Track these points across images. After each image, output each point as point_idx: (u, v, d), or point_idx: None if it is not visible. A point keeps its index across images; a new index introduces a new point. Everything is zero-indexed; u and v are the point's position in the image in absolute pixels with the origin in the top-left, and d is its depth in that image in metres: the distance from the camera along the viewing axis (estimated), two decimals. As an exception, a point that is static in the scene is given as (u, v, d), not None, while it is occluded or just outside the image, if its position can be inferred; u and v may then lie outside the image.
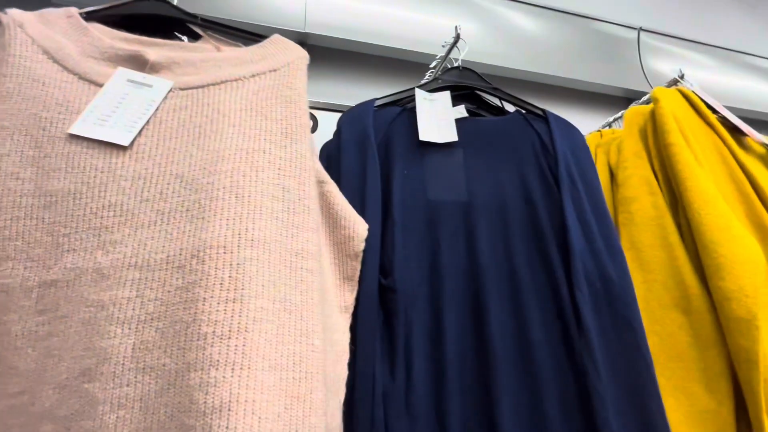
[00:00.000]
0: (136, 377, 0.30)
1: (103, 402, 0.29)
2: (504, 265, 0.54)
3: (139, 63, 0.44)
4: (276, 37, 0.50)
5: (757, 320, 0.47)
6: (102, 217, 0.36)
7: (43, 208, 0.36)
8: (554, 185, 0.60)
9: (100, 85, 0.42)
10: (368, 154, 0.55)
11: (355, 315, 0.46)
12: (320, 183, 0.52)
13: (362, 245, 0.48)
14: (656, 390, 0.49)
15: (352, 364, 0.42)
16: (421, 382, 0.46)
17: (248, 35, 0.51)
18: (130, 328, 0.31)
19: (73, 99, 0.41)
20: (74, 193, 0.36)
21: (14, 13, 0.44)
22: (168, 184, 0.37)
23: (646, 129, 0.66)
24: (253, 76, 0.45)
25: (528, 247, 0.55)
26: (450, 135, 0.61)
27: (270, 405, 0.29)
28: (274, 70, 0.46)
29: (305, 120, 0.44)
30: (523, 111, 0.66)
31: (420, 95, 0.62)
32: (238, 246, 0.33)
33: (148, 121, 0.40)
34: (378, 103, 0.61)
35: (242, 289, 0.32)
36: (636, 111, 0.70)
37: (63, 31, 0.45)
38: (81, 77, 0.42)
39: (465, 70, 0.68)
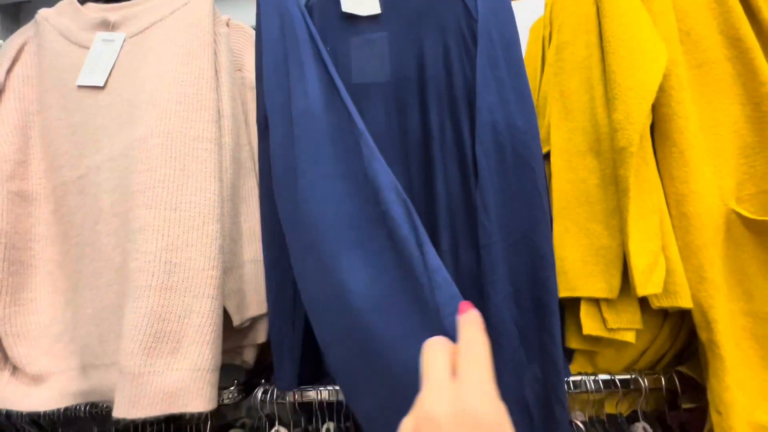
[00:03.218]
0: (114, 218, 0.52)
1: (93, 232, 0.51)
2: (419, 138, 0.60)
3: (106, 25, 0.62)
4: (192, -26, 0.62)
5: (632, 146, 0.43)
6: (95, 133, 0.57)
7: (72, 134, 0.59)
8: (473, 48, 0.60)
9: (89, 48, 0.62)
10: (297, 12, 0.55)
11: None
12: (251, 88, 0.65)
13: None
14: (546, 222, 0.52)
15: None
16: None
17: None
18: (108, 195, 0.53)
19: (78, 61, 0.62)
20: (82, 123, 0.59)
21: (42, 11, 0.66)
22: (122, 105, 0.56)
23: None
24: (172, 12, 0.59)
25: (441, 113, 0.59)
26: (373, 6, 0.64)
27: (172, 227, 0.48)
28: (186, 4, 0.59)
29: (207, 38, 0.56)
30: (448, -23, 0.64)
31: None
32: (150, 137, 0.50)
33: (113, 66, 0.59)
34: None
35: (152, 162, 0.49)
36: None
37: (69, 15, 0.66)
38: (79, 45, 0.63)
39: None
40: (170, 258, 0.46)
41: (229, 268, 0.53)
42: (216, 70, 0.57)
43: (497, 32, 0.60)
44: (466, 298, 0.57)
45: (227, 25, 0.70)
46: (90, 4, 0.67)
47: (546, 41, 0.69)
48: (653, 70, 0.44)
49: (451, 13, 0.62)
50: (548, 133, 0.59)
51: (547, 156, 0.59)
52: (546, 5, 0.71)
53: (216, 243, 0.49)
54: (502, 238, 0.54)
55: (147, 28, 0.59)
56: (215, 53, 0.58)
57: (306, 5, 0.61)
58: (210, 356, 0.45)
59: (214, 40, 0.59)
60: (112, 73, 0.59)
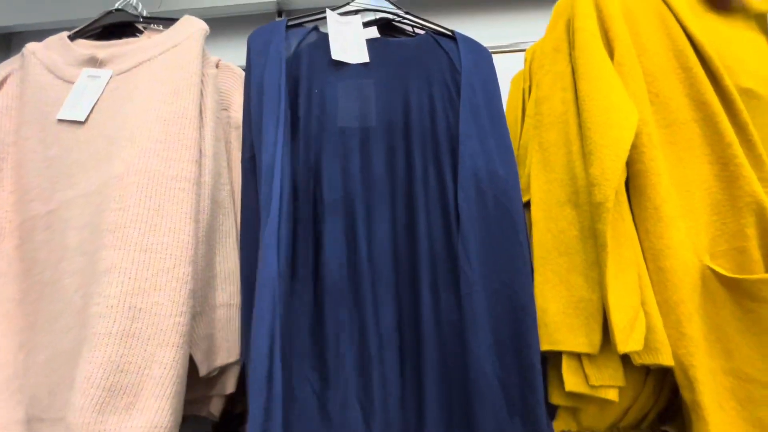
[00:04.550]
0: (80, 257, 0.49)
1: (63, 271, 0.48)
2: (404, 182, 0.60)
3: (94, 62, 0.62)
4: (185, 17, 0.64)
5: (608, 202, 0.44)
6: (71, 168, 0.56)
7: (46, 168, 0.58)
8: (457, 98, 0.62)
9: (74, 83, 0.62)
10: (275, 64, 0.54)
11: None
12: (237, 128, 0.65)
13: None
14: (527, 273, 0.52)
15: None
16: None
17: (168, 20, 0.66)
18: (76, 232, 0.51)
19: (61, 95, 0.61)
20: (59, 157, 0.57)
21: (30, 45, 0.66)
22: (101, 142, 0.55)
23: (570, 20, 0.60)
24: (161, 53, 0.59)
25: (425, 159, 0.59)
26: (361, 56, 0.66)
27: (141, 270, 0.45)
28: (176, 45, 0.60)
29: (194, 79, 0.57)
30: (433, 33, 0.67)
31: (332, 17, 0.66)
32: (127, 175, 0.49)
33: (96, 102, 0.59)
34: (291, 23, 0.65)
35: (126, 201, 0.48)
36: (566, 1, 0.63)
37: (57, 49, 0.66)
38: (64, 80, 0.62)
39: (378, -1, 0.71)
40: (135, 303, 0.44)
41: (199, 312, 0.51)
42: (201, 110, 0.57)
43: (479, 84, 0.62)
44: (446, 347, 0.55)
45: (217, 65, 0.71)
46: (81, 41, 0.68)
47: (526, 93, 0.72)
48: (625, 128, 0.46)
49: (437, 64, 0.65)
50: (529, 183, 0.60)
51: (528, 205, 0.59)
52: (525, 60, 0.75)
53: (186, 287, 0.47)
54: (484, 286, 0.53)
55: (135, 66, 0.59)
56: (201, 93, 0.58)
57: (297, 48, 0.62)
58: (169, 412, 0.42)
59: (202, 81, 0.59)
60: (94, 109, 0.58)
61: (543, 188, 0.57)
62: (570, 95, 0.57)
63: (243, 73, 0.76)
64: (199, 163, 0.54)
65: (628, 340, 0.43)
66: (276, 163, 0.49)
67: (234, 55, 1.08)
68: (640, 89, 0.52)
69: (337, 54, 0.62)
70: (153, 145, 0.51)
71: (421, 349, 0.52)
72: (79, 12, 0.97)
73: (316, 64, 0.61)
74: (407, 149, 0.61)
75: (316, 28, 0.65)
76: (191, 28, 0.61)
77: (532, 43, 0.73)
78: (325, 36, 0.63)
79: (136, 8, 0.75)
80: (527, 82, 0.73)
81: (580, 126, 0.53)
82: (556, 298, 0.52)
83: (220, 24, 1.07)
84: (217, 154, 0.59)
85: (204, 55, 0.62)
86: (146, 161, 0.50)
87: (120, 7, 0.71)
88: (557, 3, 0.64)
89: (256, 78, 0.56)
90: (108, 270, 0.45)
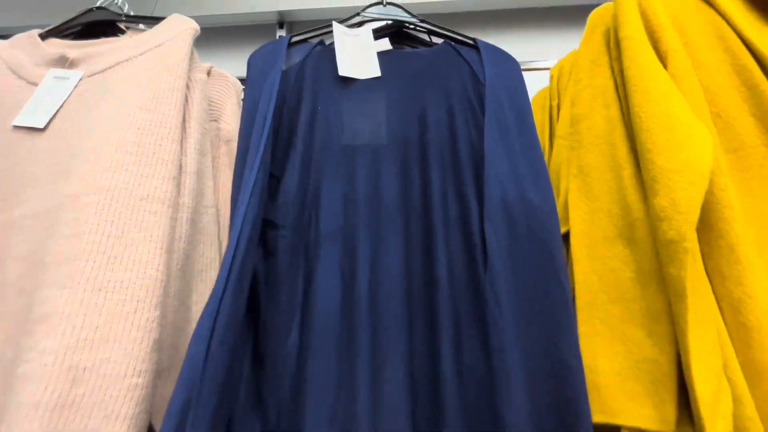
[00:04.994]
0: (16, 297, 0.39)
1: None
2: (417, 206, 0.51)
3: (63, 61, 0.54)
4: (173, 15, 0.56)
5: (686, 241, 0.35)
6: (23, 183, 0.46)
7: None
8: (480, 113, 0.54)
9: (38, 85, 0.53)
10: (270, 84, 0.49)
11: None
12: (227, 142, 0.57)
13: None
14: (571, 322, 0.43)
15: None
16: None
17: (154, 20, 0.58)
18: (17, 263, 0.41)
19: (23, 98, 0.52)
20: (11, 169, 0.48)
21: (-7, 42, 0.58)
22: (62, 153, 0.46)
23: (610, 28, 0.54)
24: (142, 53, 0.51)
25: (444, 181, 0.51)
26: (372, 70, 0.58)
27: (90, 315, 0.35)
28: (160, 45, 0.52)
29: (178, 83, 0.48)
30: (452, 42, 0.60)
31: (339, 30, 0.59)
32: (85, 193, 0.40)
33: (61, 106, 0.50)
34: (294, 40, 0.58)
35: (81, 226, 0.38)
36: (602, 10, 0.56)
37: (24, 48, 0.58)
38: (28, 81, 0.54)
39: (390, 5, 0.64)
40: (78, 360, 0.33)
41: (167, 368, 0.41)
42: (185, 119, 0.49)
43: (507, 97, 0.55)
44: (471, 416, 0.45)
45: (209, 72, 0.63)
46: (54, 40, 0.59)
47: (554, 112, 0.65)
48: (700, 150, 0.38)
49: (457, 76, 0.57)
50: (564, 212, 0.52)
51: (565, 237, 0.51)
52: (552, 77, 0.68)
53: (150, 337, 0.37)
54: (518, 337, 0.43)
55: (110, 67, 0.51)
56: (187, 100, 0.50)
57: (300, 66, 0.55)
58: None
59: (188, 86, 0.51)
60: (58, 115, 0.49)
61: (585, 219, 0.48)
62: (615, 112, 0.49)
63: (237, 82, 0.68)
64: (178, 181, 0.45)
65: (716, 418, 0.33)
66: (239, 211, 0.40)
67: (233, 65, 1.01)
68: (702, 107, 0.44)
69: (344, 70, 0.54)
70: (122, 158, 0.42)
71: (439, 418, 0.42)
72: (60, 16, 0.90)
73: (321, 82, 0.54)
74: (423, 170, 0.52)
75: (321, 43, 0.58)
76: (179, 27, 0.53)
77: (544, 62, 0.67)
78: (332, 50, 0.56)
79: (121, 8, 0.67)
80: (555, 100, 0.66)
81: (634, 147, 0.45)
82: (608, 355, 0.42)
83: (219, 34, 1.01)
84: (202, 171, 0.49)
85: (193, 59, 0.54)
86: (111, 177, 0.41)
87: (102, 5, 0.63)
88: (592, 13, 0.58)
89: (248, 107, 0.50)
90: (46, 316, 0.35)
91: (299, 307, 0.43)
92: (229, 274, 0.37)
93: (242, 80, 0.66)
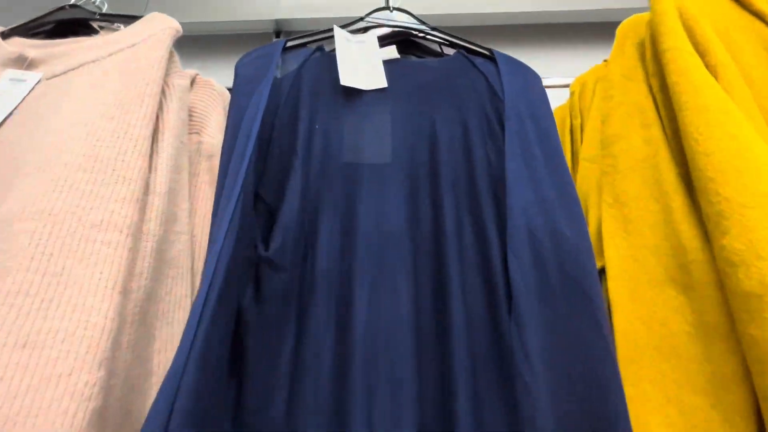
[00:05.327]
0: None
1: None
2: (427, 238, 0.44)
3: (22, 62, 0.47)
4: (152, 14, 0.49)
5: None
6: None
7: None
8: (500, 131, 0.47)
9: (-9, 87, 0.46)
10: (259, 94, 0.43)
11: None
12: (209, 157, 0.49)
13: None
14: (617, 383, 0.35)
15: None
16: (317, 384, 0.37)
17: (133, 18, 0.51)
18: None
19: (-29, 103, 0.45)
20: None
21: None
22: (6, 167, 0.38)
23: (645, 41, 0.48)
24: (111, 54, 0.44)
25: (458, 207, 0.44)
26: (377, 80, 0.51)
27: (12, 381, 0.27)
28: (133, 45, 0.45)
29: (151, 89, 0.41)
30: (466, 52, 0.54)
31: (341, 35, 0.53)
32: (19, 219, 0.32)
33: (12, 112, 0.42)
34: (291, 44, 0.52)
35: (8, 262, 0.30)
36: (633, 21, 0.51)
37: (-19, 47, 0.50)
38: (-21, 83, 0.46)
39: (398, 11, 0.58)
40: (-17, 447, 0.25)
41: (114, 441, 0.32)
42: (157, 130, 0.41)
43: (529, 114, 0.48)
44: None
45: (193, 80, 0.56)
46: (16, 39, 0.52)
47: (577, 132, 0.58)
48: (780, 181, 0.31)
49: (472, 89, 0.51)
50: (597, 245, 0.45)
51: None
52: (572, 94, 0.62)
53: (87, 408, 0.28)
54: (553, 403, 0.36)
55: (73, 69, 0.44)
56: (161, 108, 0.43)
57: (297, 74, 0.49)
58: None
59: (164, 93, 0.44)
60: (7, 122, 0.42)
61: (625, 257, 0.41)
62: (656, 132, 0.43)
63: (225, 92, 0.61)
64: (143, 204, 0.37)
65: None
66: (212, 251, 0.33)
67: (226, 75, 0.95)
68: (763, 128, 0.37)
69: (346, 78, 0.48)
70: (72, 175, 0.34)
71: None
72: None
73: (320, 93, 0.47)
74: (434, 194, 0.45)
75: (320, 49, 0.52)
76: (157, 26, 0.46)
77: (553, 78, 0.62)
78: (333, 57, 0.49)
79: (99, 7, 0.61)
80: (577, 119, 0.59)
81: (684, 173, 0.38)
82: (662, 426, 0.34)
83: (211, 42, 0.95)
84: (175, 191, 0.42)
85: (173, 63, 0.47)
86: (55, 199, 0.33)
87: (77, 3, 0.57)
88: (621, 25, 0.52)
89: (233, 119, 0.44)
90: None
91: (288, 365, 0.35)
92: (195, 335, 0.29)
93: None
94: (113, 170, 0.36)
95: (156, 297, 0.38)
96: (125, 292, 0.33)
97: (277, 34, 0.92)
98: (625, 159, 0.44)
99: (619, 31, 0.52)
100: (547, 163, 0.45)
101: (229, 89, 0.56)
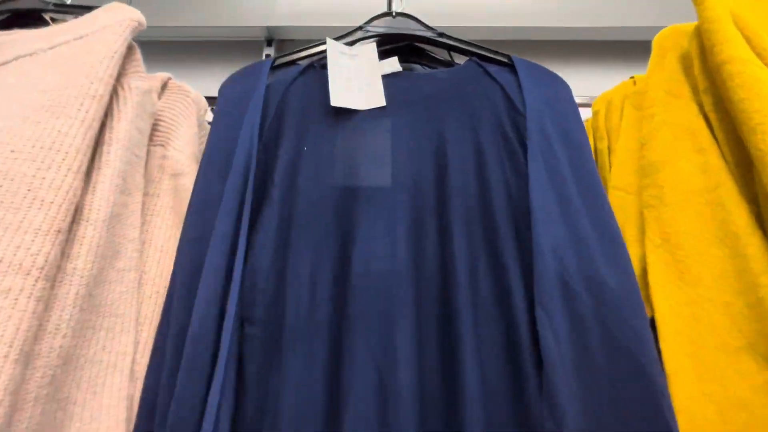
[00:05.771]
0: None
1: None
2: (434, 283, 0.36)
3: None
4: (110, 3, 0.42)
5: None
6: None
7: None
8: (521, 152, 0.39)
9: None
10: (244, 118, 0.39)
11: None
12: (174, 176, 0.41)
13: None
14: None
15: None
16: None
17: (86, 9, 0.43)
18: None
19: None
20: None
21: None
22: None
23: (691, 53, 0.41)
24: (54, 47, 0.36)
25: (472, 244, 0.36)
26: (375, 98, 0.44)
27: None
28: (81, 37, 0.37)
29: (96, 89, 0.33)
30: (480, 59, 0.47)
31: (334, 48, 0.46)
32: None
33: None
34: (279, 62, 0.46)
35: None
36: (672, 32, 0.44)
37: None
38: None
39: (402, 16, 0.51)
40: None
41: None
42: (101, 142, 0.33)
43: (557, 131, 0.40)
44: None
45: (164, 85, 0.49)
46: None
47: (604, 156, 0.51)
48: None
49: (486, 101, 0.43)
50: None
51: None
52: (596, 113, 0.55)
53: None
54: None
55: (7, 62, 0.36)
56: (110, 115, 0.35)
57: (283, 95, 0.42)
58: None
59: (116, 95, 0.36)
60: None
61: (683, 314, 0.33)
62: (715, 160, 0.35)
63: (202, 100, 0.53)
64: (66, 236, 0.28)
65: None
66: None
67: (213, 82, 0.87)
68: None
69: (337, 98, 0.41)
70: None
71: None
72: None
73: (310, 114, 0.41)
74: (442, 227, 0.37)
75: (313, 66, 0.45)
76: (113, 17, 0.38)
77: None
78: (326, 74, 0.42)
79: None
80: (603, 141, 0.52)
81: (758, 211, 0.30)
82: None
83: (199, 48, 0.89)
84: (120, 217, 0.33)
85: (132, 60, 0.39)
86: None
87: (33, -7, 0.49)
88: (658, 37, 0.45)
89: (213, 145, 0.39)
90: None
91: None
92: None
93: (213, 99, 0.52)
94: (28, 190, 0.27)
95: (79, 359, 0.28)
96: (26, 359, 0.24)
97: (269, 42, 0.85)
98: (674, 190, 0.36)
99: (655, 43, 0.45)
100: (581, 190, 0.37)
101: (213, 98, 0.49)
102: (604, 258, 0.34)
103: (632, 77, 0.56)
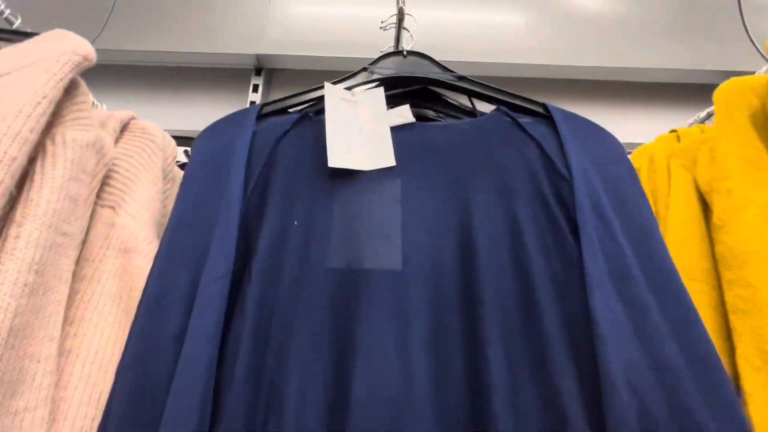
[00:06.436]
0: None
1: None
2: (462, 410, 0.27)
3: None
4: (54, 31, 0.33)
5: None
6: None
7: None
8: (567, 230, 0.31)
9: None
10: (223, 188, 0.32)
11: None
12: (123, 252, 0.31)
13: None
14: None
15: None
16: None
17: (27, 36, 0.35)
18: None
19: None
20: None
21: None
22: None
23: (767, 112, 0.34)
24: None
25: (510, 354, 0.27)
26: (382, 157, 0.36)
27: None
28: (5, 75, 0.28)
29: (17, 127, 0.24)
30: (509, 110, 0.39)
31: (333, 94, 0.37)
32: None
33: None
34: (267, 109, 0.38)
35: None
36: (736, 86, 0.37)
37: None
38: None
39: (414, 56, 0.43)
40: None
41: None
42: (10, 221, 0.23)
43: (613, 202, 0.32)
44: None
45: (125, 126, 0.40)
46: None
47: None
48: None
49: (519, 162, 0.35)
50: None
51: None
52: (637, 169, 0.48)
53: None
54: None
55: None
56: (30, 181, 0.25)
57: (272, 150, 0.34)
58: None
59: (43, 152, 0.26)
60: None
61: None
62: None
63: (170, 145, 0.44)
64: None
65: None
66: None
67: (198, 111, 0.79)
68: None
69: (335, 158, 0.33)
70: None
71: None
72: None
73: (302, 177, 0.33)
74: (471, 333, 0.29)
75: (306, 116, 0.37)
76: (53, 48, 0.29)
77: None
78: (323, 125, 0.34)
79: (11, 21, 0.45)
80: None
81: None
82: None
83: (183, 75, 0.80)
84: (25, 332, 0.23)
85: (72, 103, 0.30)
86: None
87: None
88: (719, 92, 0.38)
89: (180, 213, 0.32)
90: None
91: None
92: None
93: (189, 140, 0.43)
94: None
95: None
96: None
97: (258, 71, 0.77)
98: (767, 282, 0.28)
99: (718, 98, 0.38)
100: (656, 291, 0.29)
101: (192, 134, 0.40)
102: (700, 394, 0.25)
103: (674, 131, 0.49)
